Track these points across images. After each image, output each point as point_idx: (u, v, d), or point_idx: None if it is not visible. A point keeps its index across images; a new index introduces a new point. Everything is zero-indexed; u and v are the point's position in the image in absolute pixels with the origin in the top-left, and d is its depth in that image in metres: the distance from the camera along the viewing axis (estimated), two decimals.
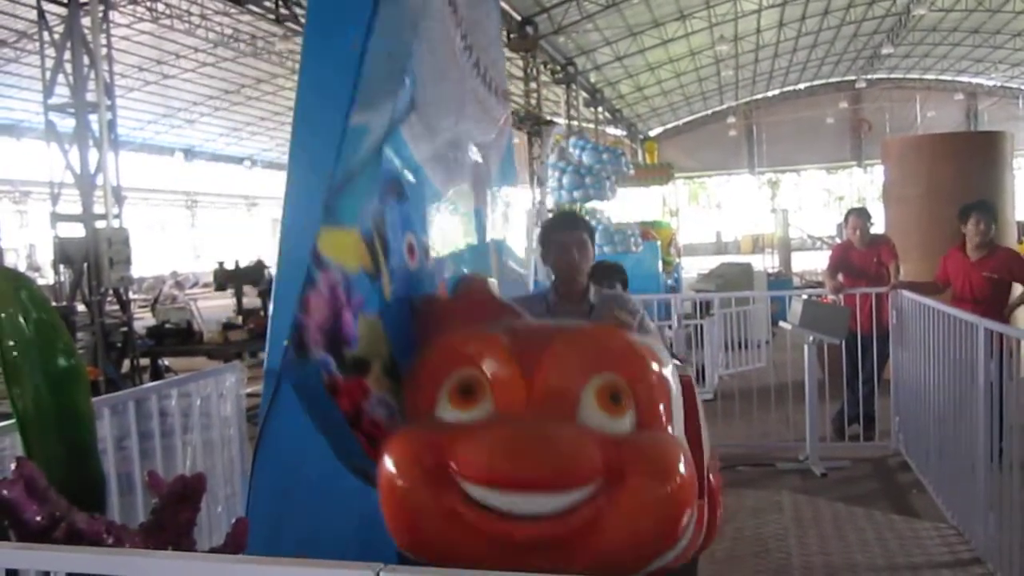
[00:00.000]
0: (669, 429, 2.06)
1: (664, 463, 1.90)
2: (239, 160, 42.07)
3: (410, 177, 2.45)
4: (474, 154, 3.19)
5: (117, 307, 10.33)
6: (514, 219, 3.88)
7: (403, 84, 2.38)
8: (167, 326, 10.55)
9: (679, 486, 1.88)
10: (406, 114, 2.41)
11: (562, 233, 3.11)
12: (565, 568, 1.81)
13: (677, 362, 2.55)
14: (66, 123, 10.33)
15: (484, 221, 3.32)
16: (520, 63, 22.00)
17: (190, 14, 22.04)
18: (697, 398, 2.53)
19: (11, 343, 1.86)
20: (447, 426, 2.00)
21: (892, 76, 42.69)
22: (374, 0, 2.25)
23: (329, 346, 1.96)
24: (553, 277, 3.21)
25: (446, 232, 2.83)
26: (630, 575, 1.90)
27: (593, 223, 12.24)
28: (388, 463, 1.94)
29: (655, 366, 2.11)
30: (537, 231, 3.40)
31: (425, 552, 1.93)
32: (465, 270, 2.97)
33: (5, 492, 1.56)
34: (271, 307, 2.21)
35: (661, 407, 2.05)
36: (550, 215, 16.31)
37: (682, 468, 1.90)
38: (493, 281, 2.91)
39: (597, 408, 1.98)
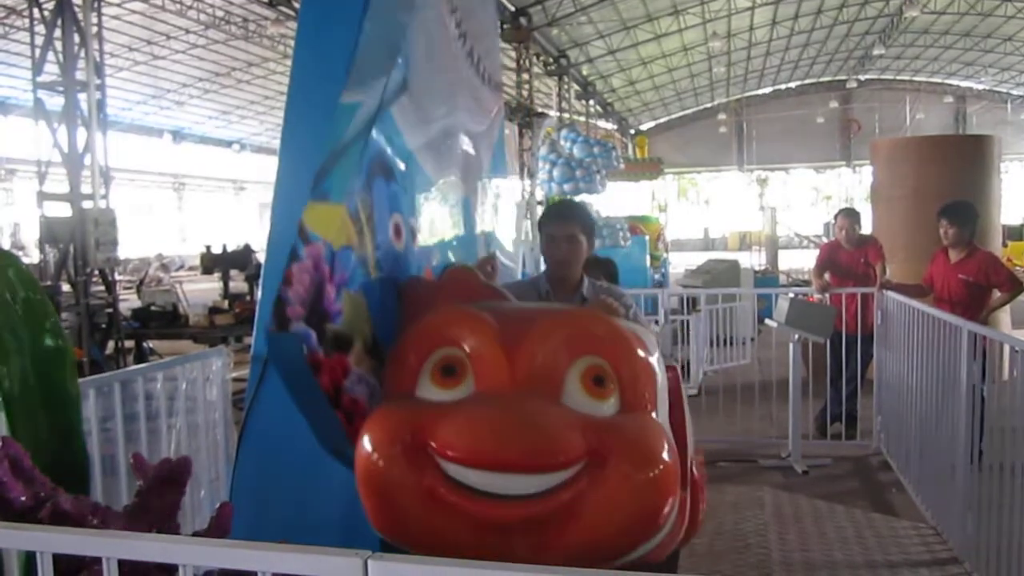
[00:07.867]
0: (653, 415, 2.03)
1: (648, 447, 1.88)
2: (228, 143, 41.80)
3: (399, 160, 2.43)
4: (466, 144, 3.18)
5: (102, 288, 10.26)
6: (504, 211, 3.86)
7: (395, 63, 2.36)
8: (152, 308, 10.52)
9: (662, 472, 1.85)
10: (398, 95, 2.38)
11: (552, 226, 3.08)
12: (544, 551, 1.78)
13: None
14: (55, 101, 10.22)
15: (473, 212, 3.30)
16: (512, 54, 21.92)
17: None
18: (683, 390, 2.52)
19: None
20: (427, 404, 1.98)
21: (883, 77, 42.85)
22: None
23: (311, 320, 1.92)
24: (545, 268, 3.19)
25: (435, 220, 2.81)
26: (610, 562, 1.86)
27: None
28: (366, 441, 1.91)
29: (640, 351, 2.09)
30: (527, 223, 3.39)
31: (401, 534, 1.90)
32: (452, 258, 2.95)
33: None
34: (259, 292, 2.20)
35: (646, 392, 2.03)
36: (539, 207, 16.29)
37: (665, 454, 1.88)
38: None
39: (581, 390, 1.96)
